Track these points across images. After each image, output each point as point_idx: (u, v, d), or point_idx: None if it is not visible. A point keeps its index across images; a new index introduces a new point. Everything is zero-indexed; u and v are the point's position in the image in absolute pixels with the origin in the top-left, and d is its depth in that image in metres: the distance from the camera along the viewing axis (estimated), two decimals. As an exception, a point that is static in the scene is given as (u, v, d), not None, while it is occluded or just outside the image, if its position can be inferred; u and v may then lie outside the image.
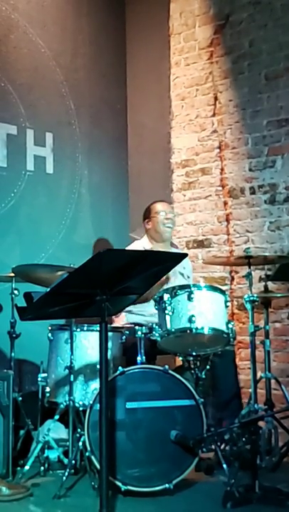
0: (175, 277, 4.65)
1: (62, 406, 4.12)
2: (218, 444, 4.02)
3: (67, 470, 3.84)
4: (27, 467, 4.05)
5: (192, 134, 5.84)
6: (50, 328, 4.37)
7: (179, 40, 5.97)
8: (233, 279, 5.46)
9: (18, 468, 4.12)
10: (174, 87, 5.98)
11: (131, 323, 4.63)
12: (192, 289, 4.03)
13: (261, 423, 4.22)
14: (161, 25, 6.05)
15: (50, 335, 4.35)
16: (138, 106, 6.18)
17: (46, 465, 4.15)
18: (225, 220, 5.57)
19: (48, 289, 3.01)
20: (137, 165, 6.14)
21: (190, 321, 3.95)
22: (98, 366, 3.43)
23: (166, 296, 4.04)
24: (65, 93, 5.65)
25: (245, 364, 5.14)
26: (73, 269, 3.54)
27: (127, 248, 4.92)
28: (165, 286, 4.28)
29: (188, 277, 4.88)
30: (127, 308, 4.55)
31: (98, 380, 3.49)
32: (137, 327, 4.15)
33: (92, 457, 3.72)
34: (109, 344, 4.01)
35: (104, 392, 3.06)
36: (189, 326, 3.95)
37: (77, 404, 4.08)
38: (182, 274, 4.79)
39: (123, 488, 3.65)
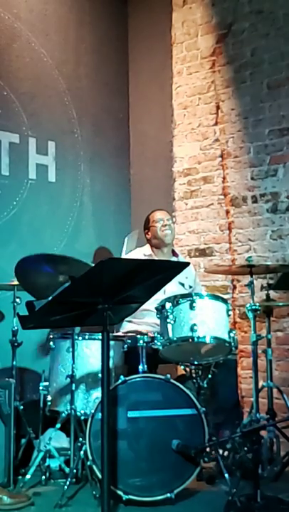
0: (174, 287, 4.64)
1: (63, 415, 4.12)
2: (220, 453, 4.01)
3: (69, 479, 3.84)
4: (28, 476, 4.05)
5: (194, 143, 5.84)
6: (51, 336, 4.37)
7: (181, 49, 5.98)
8: (235, 287, 5.45)
9: (20, 477, 4.12)
10: (176, 96, 5.99)
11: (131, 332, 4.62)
12: (194, 297, 4.03)
13: (263, 432, 4.22)
14: (164, 34, 6.07)
15: (51, 343, 4.35)
16: (140, 115, 6.19)
17: (47, 474, 4.15)
18: (227, 229, 5.57)
19: (50, 298, 3.01)
20: (139, 173, 6.15)
21: (192, 329, 3.95)
22: (100, 375, 3.44)
23: (168, 305, 4.04)
24: (67, 102, 5.66)
25: (247, 373, 5.12)
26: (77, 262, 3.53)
27: (128, 255, 4.93)
28: (167, 294, 4.26)
29: (191, 287, 4.87)
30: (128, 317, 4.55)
31: (100, 388, 3.49)
32: (138, 336, 4.15)
33: (94, 466, 3.71)
34: (111, 353, 4.01)
35: (106, 401, 3.05)
36: (191, 334, 3.95)
37: (78, 413, 4.08)
38: (182, 285, 4.79)
39: (124, 497, 3.65)
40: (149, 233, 4.97)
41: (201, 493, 3.93)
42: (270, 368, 4.56)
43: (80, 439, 4.00)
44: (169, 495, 3.69)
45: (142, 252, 4.94)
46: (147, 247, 4.99)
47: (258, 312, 4.31)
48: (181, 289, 4.75)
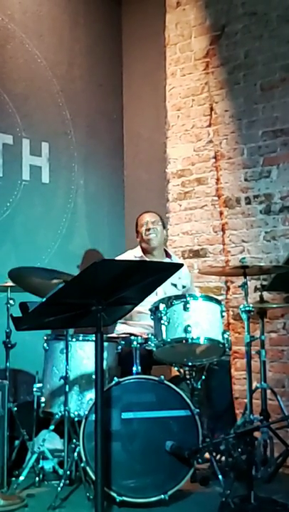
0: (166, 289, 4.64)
1: (57, 416, 4.11)
2: (214, 454, 4.01)
3: (62, 481, 3.83)
4: (22, 478, 4.04)
5: (188, 144, 5.85)
6: (45, 338, 4.37)
7: (175, 51, 5.99)
8: (228, 289, 5.46)
9: (13, 478, 4.10)
10: (170, 98, 5.99)
11: (126, 334, 4.62)
12: (188, 299, 4.04)
13: (257, 434, 4.21)
14: (157, 35, 6.07)
15: (45, 345, 4.35)
16: (134, 116, 6.19)
17: (41, 476, 4.14)
18: (220, 230, 5.57)
19: (44, 299, 3.00)
20: (132, 175, 6.15)
21: (186, 331, 3.95)
22: (93, 376, 3.43)
23: (162, 306, 4.04)
24: (61, 103, 5.66)
25: (241, 374, 5.13)
26: (69, 276, 3.55)
27: (119, 257, 4.93)
28: (160, 296, 4.27)
29: (184, 287, 4.88)
30: (122, 319, 4.55)
31: (93, 390, 3.48)
32: (132, 337, 4.15)
33: (88, 468, 3.71)
34: (105, 354, 4.00)
35: (100, 403, 3.05)
36: (185, 336, 3.96)
37: (72, 415, 4.08)
38: (175, 285, 4.79)
39: (118, 499, 3.64)
40: (138, 237, 4.97)
41: (194, 494, 3.93)
42: (264, 369, 4.56)
43: (74, 440, 4.00)
44: (162, 496, 3.69)
45: (133, 254, 4.93)
46: (138, 249, 4.99)
47: (252, 313, 4.31)
48: (174, 290, 4.75)
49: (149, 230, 4.90)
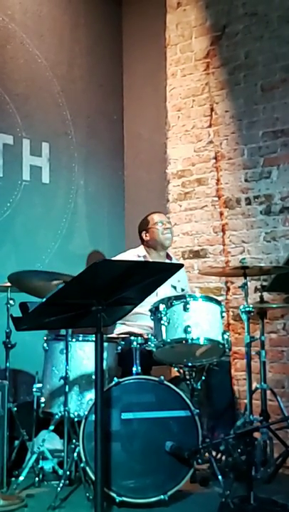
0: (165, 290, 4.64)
1: (57, 416, 4.11)
2: (214, 455, 4.01)
3: (62, 481, 3.83)
4: (21, 478, 4.04)
5: (188, 145, 5.85)
6: (45, 338, 4.37)
7: (176, 51, 5.99)
8: (228, 289, 5.46)
9: (13, 478, 4.11)
10: (171, 98, 5.99)
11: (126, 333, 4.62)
12: (188, 299, 4.04)
13: (256, 434, 4.22)
14: (158, 36, 6.07)
15: (45, 345, 4.35)
16: (134, 116, 6.19)
17: (41, 476, 4.14)
18: (221, 231, 5.57)
19: (44, 299, 3.00)
20: (133, 175, 6.15)
21: (186, 331, 3.95)
22: (93, 376, 3.43)
23: (161, 307, 4.04)
24: (61, 103, 5.66)
25: (241, 375, 5.13)
26: (69, 278, 3.55)
27: (120, 256, 4.92)
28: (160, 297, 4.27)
29: (183, 290, 4.88)
30: (121, 320, 4.55)
31: (93, 390, 3.48)
32: (132, 337, 4.15)
33: (87, 468, 3.71)
34: (105, 354, 4.01)
35: (100, 403, 3.04)
36: (185, 336, 3.96)
37: (72, 415, 4.08)
38: (174, 288, 4.79)
39: (118, 499, 3.64)
40: (148, 235, 4.96)
41: (194, 495, 3.93)
42: (264, 369, 4.56)
43: (74, 440, 4.00)
44: (162, 497, 3.69)
45: (136, 253, 4.93)
46: (141, 248, 4.98)
47: (252, 314, 4.31)
48: (173, 292, 4.75)
49: (166, 229, 4.93)
